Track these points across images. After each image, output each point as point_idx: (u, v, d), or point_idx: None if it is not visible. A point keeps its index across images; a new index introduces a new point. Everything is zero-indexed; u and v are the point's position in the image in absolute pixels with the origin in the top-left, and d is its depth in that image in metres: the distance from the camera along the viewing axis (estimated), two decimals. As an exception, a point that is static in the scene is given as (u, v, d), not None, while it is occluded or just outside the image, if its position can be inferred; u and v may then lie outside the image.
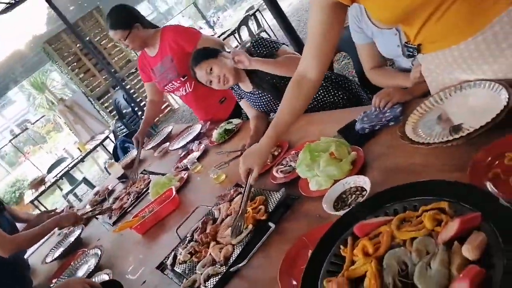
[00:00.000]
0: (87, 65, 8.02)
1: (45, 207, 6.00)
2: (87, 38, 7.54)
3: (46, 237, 2.48)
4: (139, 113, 7.29)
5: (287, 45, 2.04)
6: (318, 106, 1.95)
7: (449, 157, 1.02)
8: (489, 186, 0.83)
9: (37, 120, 12.42)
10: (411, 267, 0.61)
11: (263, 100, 2.02)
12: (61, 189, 6.88)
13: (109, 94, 8.20)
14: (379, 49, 1.64)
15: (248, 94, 2.06)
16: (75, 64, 7.91)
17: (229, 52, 1.90)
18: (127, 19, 2.29)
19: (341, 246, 0.74)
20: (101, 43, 7.99)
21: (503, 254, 0.55)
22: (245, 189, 1.33)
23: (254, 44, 1.92)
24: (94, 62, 7.92)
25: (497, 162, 0.86)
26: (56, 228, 2.23)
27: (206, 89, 2.51)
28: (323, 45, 1.19)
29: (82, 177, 6.72)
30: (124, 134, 4.84)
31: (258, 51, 1.90)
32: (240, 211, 1.29)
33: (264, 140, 1.33)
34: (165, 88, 2.55)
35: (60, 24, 6.97)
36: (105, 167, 5.31)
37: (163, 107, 8.23)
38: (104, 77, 8.12)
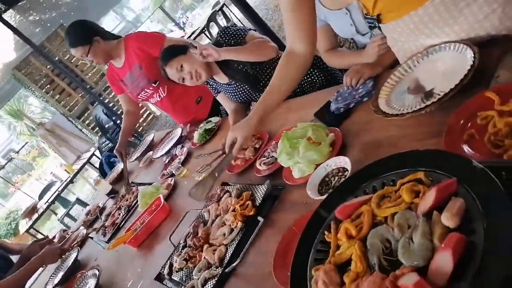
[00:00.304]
0: (61, 85, 7.86)
1: (42, 234, 5.91)
2: (56, 58, 7.38)
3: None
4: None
5: (254, 30, 2.01)
6: (297, 88, 1.92)
7: (424, 125, 1.01)
8: (466, 148, 0.82)
9: (21, 148, 12.21)
10: (394, 243, 0.60)
11: (241, 90, 1.99)
12: (56, 214, 6.79)
13: (88, 111, 8.07)
14: (335, 30, 1.63)
15: (225, 86, 2.02)
16: (48, 86, 7.75)
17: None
18: (85, 34, 2.23)
19: (326, 232, 0.73)
20: (72, 61, 7.82)
21: (482, 217, 0.54)
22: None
23: (221, 34, 1.89)
24: (68, 81, 7.77)
25: (470, 123, 0.86)
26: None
27: (180, 91, 2.49)
28: (300, 16, 1.17)
29: (75, 198, 6.63)
30: (109, 149, 4.77)
31: (226, 41, 1.86)
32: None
33: (251, 116, 1.33)
34: (139, 97, 2.51)
35: (28, 48, 6.83)
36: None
37: (145, 115, 8.14)
38: (80, 94, 7.99)
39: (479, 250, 0.51)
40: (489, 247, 0.50)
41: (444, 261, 0.51)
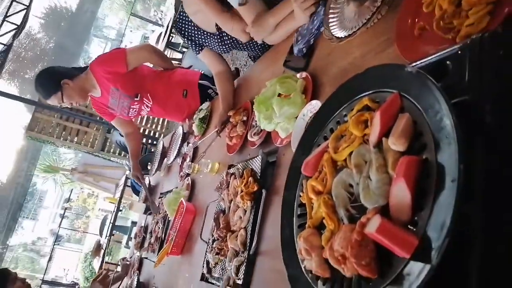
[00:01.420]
0: (74, 127, 8.04)
1: (118, 264, 6.22)
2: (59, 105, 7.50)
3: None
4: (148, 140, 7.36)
5: None
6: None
7: (380, 34, 0.92)
8: (420, 45, 0.73)
9: (69, 197, 12.82)
10: (355, 187, 0.54)
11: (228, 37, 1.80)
12: (121, 242, 7.12)
13: (108, 140, 8.24)
14: None
15: (213, 36, 1.83)
16: (63, 133, 7.95)
17: None
18: (52, 82, 2.22)
19: (301, 194, 0.68)
20: (73, 101, 7.93)
21: (429, 125, 0.47)
22: None
23: None
24: (78, 121, 7.92)
25: (417, 17, 0.76)
26: None
27: (163, 93, 2.44)
28: None
29: (130, 222, 6.90)
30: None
31: None
32: None
33: None
34: (130, 115, 2.49)
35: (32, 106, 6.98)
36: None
37: (160, 121, 8.20)
38: (94, 128, 8.14)
39: (432, 166, 0.44)
40: (442, 158, 0.43)
41: (400, 192, 0.45)
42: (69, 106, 2.34)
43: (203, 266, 1.46)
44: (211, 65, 1.96)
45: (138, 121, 7.22)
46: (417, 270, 0.42)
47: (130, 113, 2.46)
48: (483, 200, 0.44)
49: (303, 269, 0.59)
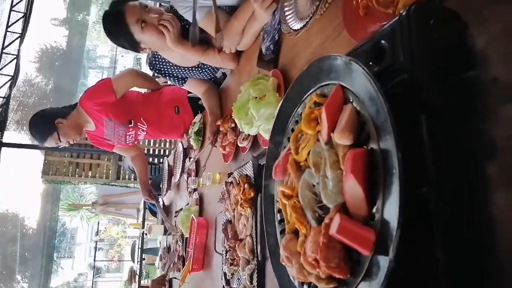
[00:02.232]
0: (86, 162, 8.17)
1: None
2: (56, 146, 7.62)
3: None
4: (155, 159, 7.43)
5: None
6: None
7: (334, 18, 0.90)
8: (367, 25, 0.71)
9: (97, 230, 13.05)
10: (317, 187, 0.53)
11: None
12: (154, 264, 7.20)
13: (121, 167, 8.34)
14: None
15: (194, 69, 1.89)
16: (77, 170, 8.09)
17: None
18: (45, 124, 2.25)
19: (277, 199, 0.67)
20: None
21: (370, 114, 0.45)
22: None
23: None
24: (89, 155, 8.05)
25: (359, -5, 0.74)
26: None
27: (155, 114, 2.46)
28: None
29: (159, 243, 6.98)
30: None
31: None
32: None
33: None
34: (128, 142, 2.51)
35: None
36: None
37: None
38: (106, 159, 8.25)
39: (379, 157, 0.43)
40: (384, 146, 0.42)
41: (352, 188, 0.44)
42: (66, 145, 2.37)
43: (221, 279, 1.46)
44: (196, 90, 2.06)
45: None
46: (381, 263, 0.41)
47: (128, 140, 2.48)
48: (437, 180, 0.43)
49: (290, 276, 0.59)
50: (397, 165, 0.38)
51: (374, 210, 0.43)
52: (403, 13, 0.48)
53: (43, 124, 2.26)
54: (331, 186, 0.49)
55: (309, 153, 0.56)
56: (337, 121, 0.50)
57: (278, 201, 0.66)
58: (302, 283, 0.55)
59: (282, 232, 0.65)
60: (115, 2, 1.69)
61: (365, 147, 0.45)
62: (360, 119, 0.47)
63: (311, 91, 0.58)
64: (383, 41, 0.51)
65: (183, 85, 2.01)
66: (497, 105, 0.47)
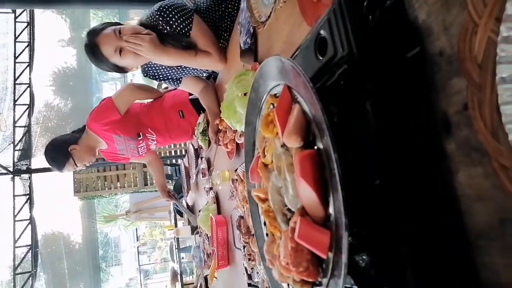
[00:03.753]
0: (113, 174, 8.39)
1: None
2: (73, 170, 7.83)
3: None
4: (173, 160, 7.52)
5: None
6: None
7: (296, 5, 0.87)
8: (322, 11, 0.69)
9: (137, 236, 13.46)
10: (281, 190, 0.52)
11: None
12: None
13: (148, 174, 8.52)
14: None
15: (185, 67, 1.88)
16: (105, 183, 8.33)
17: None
18: (60, 153, 2.30)
19: (258, 202, 0.67)
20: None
21: (311, 113, 0.44)
22: None
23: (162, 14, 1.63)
24: (114, 167, 8.26)
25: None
26: None
27: (162, 122, 2.49)
28: None
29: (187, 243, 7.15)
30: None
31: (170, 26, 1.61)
32: None
33: None
34: (141, 154, 2.56)
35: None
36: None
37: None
38: (131, 168, 8.44)
39: (324, 156, 0.42)
40: (325, 146, 0.41)
41: (305, 191, 0.43)
42: (83, 168, 2.44)
43: (244, 274, 1.49)
44: (192, 89, 2.06)
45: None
46: (340, 263, 0.40)
47: (140, 152, 2.52)
48: (390, 169, 0.42)
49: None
50: (335, 165, 0.37)
51: (329, 210, 0.43)
52: (334, 2, 0.47)
53: (57, 153, 2.32)
54: (290, 190, 0.48)
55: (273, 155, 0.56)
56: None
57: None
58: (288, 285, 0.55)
59: (268, 234, 0.65)
60: (89, 32, 1.68)
61: (313, 147, 0.44)
62: (306, 119, 0.46)
63: (266, 92, 0.57)
64: (322, 32, 0.49)
65: (178, 85, 2.01)
66: (446, 79, 0.45)
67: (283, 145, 0.50)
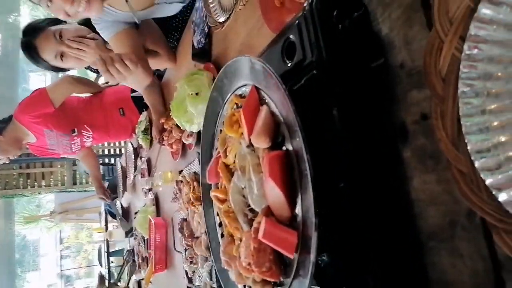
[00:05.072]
0: (38, 172, 7.77)
1: None
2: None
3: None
4: (106, 160, 7.17)
5: None
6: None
7: (255, 9, 0.88)
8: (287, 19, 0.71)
9: (60, 239, 12.58)
10: (244, 190, 0.53)
11: None
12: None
13: (77, 173, 8.02)
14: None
15: None
16: (28, 181, 7.68)
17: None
18: None
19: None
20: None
21: (281, 114, 0.45)
22: None
23: None
24: (40, 164, 7.66)
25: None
26: None
27: (100, 119, 2.36)
28: None
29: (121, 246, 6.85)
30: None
31: None
32: None
33: None
34: (73, 151, 2.40)
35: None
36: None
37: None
38: (59, 165, 7.89)
39: (293, 157, 0.43)
40: (296, 147, 0.42)
41: (272, 191, 0.44)
42: (7, 162, 2.23)
43: (184, 277, 1.45)
44: (136, 86, 1.94)
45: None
46: (306, 263, 0.41)
47: (73, 149, 2.37)
48: (352, 173, 0.43)
49: (231, 280, 0.59)
50: (307, 167, 0.38)
51: (296, 211, 0.43)
52: (306, 6, 0.48)
53: None
54: (255, 190, 0.48)
55: (235, 155, 0.55)
56: (255, 123, 0.50)
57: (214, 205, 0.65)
58: (244, 286, 0.55)
59: (223, 235, 0.65)
60: (26, 31, 1.55)
61: (283, 148, 0.45)
62: (275, 120, 0.47)
63: (231, 92, 0.57)
64: (291, 36, 0.50)
65: None
66: (405, 91, 0.48)
67: (249, 146, 0.50)
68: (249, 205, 0.53)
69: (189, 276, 1.39)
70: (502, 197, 0.33)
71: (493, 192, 0.34)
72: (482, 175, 0.35)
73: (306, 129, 0.43)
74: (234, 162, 0.57)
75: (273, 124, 0.46)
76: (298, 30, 0.49)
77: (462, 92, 0.36)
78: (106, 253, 5.80)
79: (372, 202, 0.45)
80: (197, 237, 1.30)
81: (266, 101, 0.48)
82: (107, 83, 2.65)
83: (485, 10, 0.34)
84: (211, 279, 1.17)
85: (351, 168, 0.44)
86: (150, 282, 1.93)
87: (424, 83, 0.47)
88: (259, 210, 0.48)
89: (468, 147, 0.36)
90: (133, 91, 2.41)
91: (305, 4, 0.49)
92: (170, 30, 1.68)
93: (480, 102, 0.35)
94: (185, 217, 1.45)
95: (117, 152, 7.26)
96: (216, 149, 0.65)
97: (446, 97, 0.37)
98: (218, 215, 0.66)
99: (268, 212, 0.47)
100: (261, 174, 0.48)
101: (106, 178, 5.08)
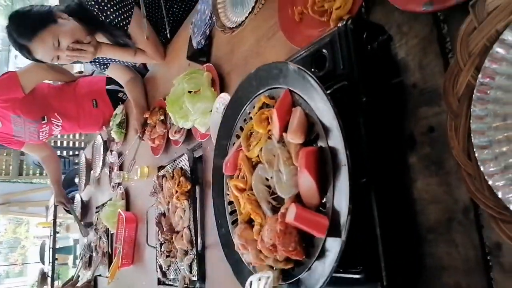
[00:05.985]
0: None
1: None
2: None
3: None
4: (64, 152, 6.87)
5: None
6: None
7: (268, 18, 0.95)
8: (303, 29, 0.78)
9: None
10: (271, 180, 0.59)
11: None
12: (67, 264, 6.74)
13: (24, 163, 7.59)
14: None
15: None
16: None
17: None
18: None
19: (228, 192, 0.72)
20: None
21: (317, 116, 0.52)
22: None
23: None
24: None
25: (295, 2, 0.81)
26: None
27: (72, 108, 2.31)
28: None
29: (72, 241, 6.55)
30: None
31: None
32: None
33: None
34: (41, 138, 2.32)
35: None
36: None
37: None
38: (5, 153, 7.42)
39: (328, 153, 0.50)
40: (332, 145, 0.49)
41: (306, 181, 0.51)
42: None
43: (157, 271, 1.47)
44: (119, 78, 1.99)
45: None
46: (334, 245, 0.48)
47: (41, 136, 2.29)
48: (373, 171, 0.51)
49: (244, 262, 0.64)
50: (346, 161, 0.46)
51: (325, 199, 0.51)
52: (341, 26, 0.56)
53: None
54: (285, 180, 0.55)
55: (261, 149, 0.62)
56: (286, 122, 0.57)
57: (229, 194, 0.71)
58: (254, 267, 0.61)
59: (234, 222, 0.70)
60: (17, 30, 1.47)
61: (314, 145, 0.52)
62: (308, 120, 0.54)
63: (259, 92, 0.64)
64: (324, 50, 0.58)
65: (105, 70, 1.90)
66: (416, 106, 0.58)
67: (279, 141, 0.57)
68: (272, 193, 0.59)
69: (164, 270, 1.41)
70: (501, 194, 0.43)
71: (494, 191, 0.43)
72: (486, 177, 0.44)
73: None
74: (257, 156, 0.63)
75: (307, 123, 0.54)
76: (331, 45, 0.57)
77: (474, 111, 0.45)
78: (51, 249, 5.53)
79: (385, 197, 0.53)
80: (177, 231, 1.33)
81: (300, 102, 0.55)
82: (81, 72, 2.59)
83: (498, 49, 0.44)
84: (191, 272, 1.21)
85: (372, 166, 0.52)
86: (116, 278, 1.91)
87: (434, 101, 0.57)
88: (287, 198, 0.55)
89: (476, 155, 0.45)
90: (108, 83, 2.38)
91: (339, 25, 0.57)
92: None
93: (488, 120, 0.45)
94: (163, 212, 1.47)
95: (76, 145, 6.98)
96: (234, 143, 0.71)
97: (460, 114, 0.46)
98: (229, 204, 0.72)
99: (296, 199, 0.53)
100: (291, 166, 0.55)
101: (62, 171, 4.87)
